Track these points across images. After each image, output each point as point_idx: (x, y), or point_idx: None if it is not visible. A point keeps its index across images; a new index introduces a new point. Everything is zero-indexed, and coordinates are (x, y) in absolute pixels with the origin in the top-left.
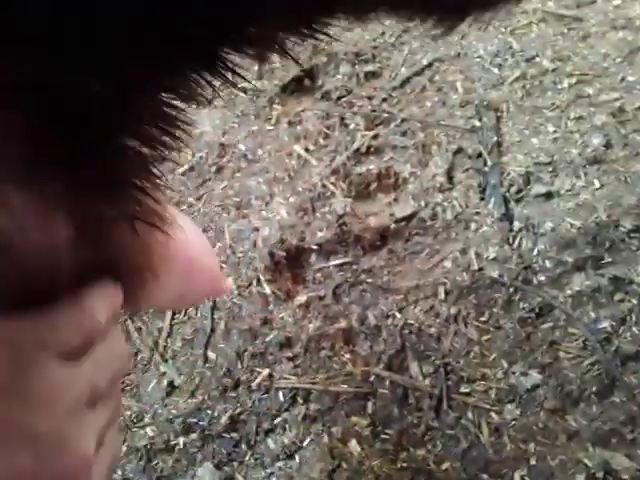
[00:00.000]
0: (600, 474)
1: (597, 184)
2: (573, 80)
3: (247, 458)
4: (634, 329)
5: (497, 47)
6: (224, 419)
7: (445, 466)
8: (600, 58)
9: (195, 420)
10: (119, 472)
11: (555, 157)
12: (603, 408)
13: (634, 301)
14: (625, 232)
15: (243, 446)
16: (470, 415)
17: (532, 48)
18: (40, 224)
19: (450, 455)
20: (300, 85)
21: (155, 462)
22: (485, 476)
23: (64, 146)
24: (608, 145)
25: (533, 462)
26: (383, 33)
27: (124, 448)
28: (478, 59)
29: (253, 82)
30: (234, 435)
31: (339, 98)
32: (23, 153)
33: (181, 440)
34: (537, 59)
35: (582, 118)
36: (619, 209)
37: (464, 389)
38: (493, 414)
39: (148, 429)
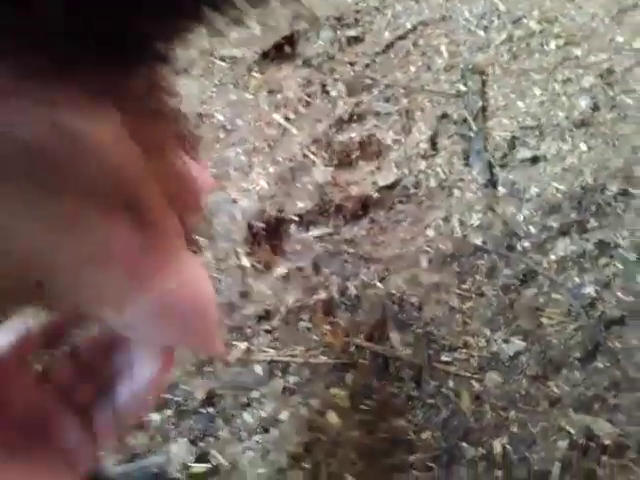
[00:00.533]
0: (582, 440)
1: (584, 147)
2: (561, 42)
3: (223, 433)
4: (619, 294)
5: (483, 9)
6: (200, 394)
7: (425, 436)
8: (588, 19)
9: (170, 396)
10: None
11: (541, 120)
12: (586, 374)
13: (619, 265)
14: (611, 195)
15: (219, 421)
16: (451, 384)
17: (518, 9)
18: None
19: (430, 424)
20: (280, 52)
21: (129, 439)
22: (465, 445)
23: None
24: (595, 107)
25: (514, 429)
26: None
27: None
28: (463, 22)
29: (232, 50)
30: (210, 410)
31: (320, 64)
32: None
33: (156, 416)
34: (524, 20)
35: (569, 80)
36: (606, 172)
37: (445, 358)
38: (474, 382)
39: None
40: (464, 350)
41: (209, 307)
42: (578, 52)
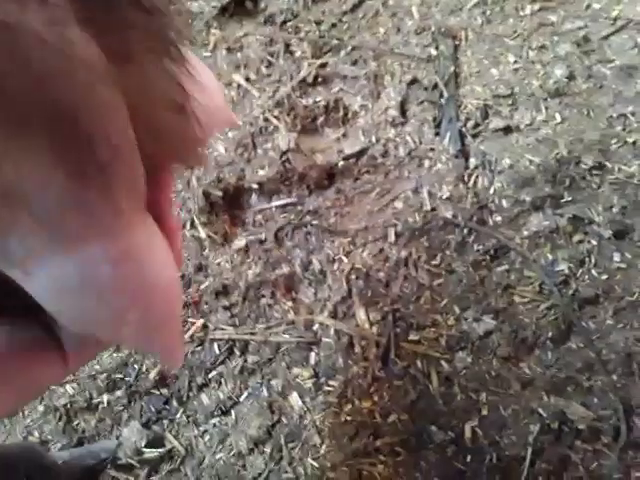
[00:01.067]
0: (555, 424)
1: (558, 118)
2: (536, 7)
3: (178, 416)
4: (593, 271)
5: None
6: (152, 374)
7: (392, 418)
8: None
9: (120, 376)
10: (36, 433)
11: (515, 89)
12: (559, 355)
13: (594, 242)
14: (586, 169)
15: (174, 403)
16: (419, 364)
17: None
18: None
19: (398, 407)
20: (241, 8)
21: (76, 422)
22: (434, 428)
23: None
24: (571, 77)
25: (485, 412)
26: None
27: (41, 408)
28: None
29: (189, 3)
30: (164, 391)
31: (284, 22)
32: None
33: (105, 398)
34: None
35: (544, 48)
36: (581, 145)
37: (413, 337)
38: (443, 362)
39: (68, 387)
40: (432, 329)
41: (163, 295)
42: (554, 18)
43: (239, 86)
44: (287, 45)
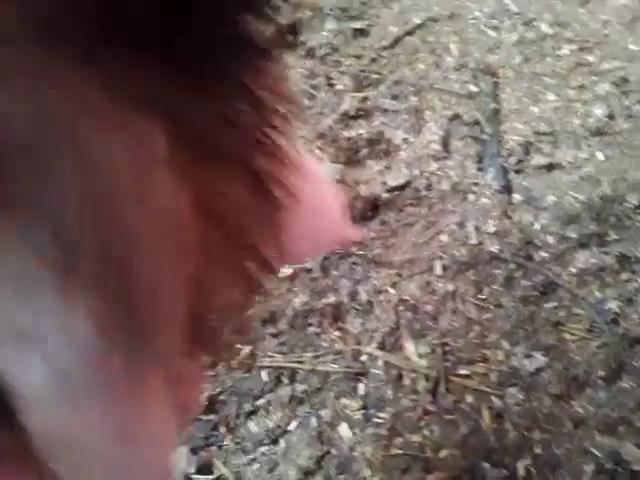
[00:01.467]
0: (609, 464)
1: (600, 157)
2: (573, 47)
3: (227, 442)
4: None
5: (493, 8)
6: (202, 400)
7: (443, 453)
8: (601, 25)
9: None
10: None
11: (556, 127)
12: (611, 394)
13: None
14: (631, 208)
15: (222, 429)
16: (469, 399)
17: (530, 11)
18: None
19: (448, 442)
20: (282, 41)
21: None
22: (486, 465)
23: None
24: (611, 116)
25: (538, 450)
26: None
27: None
28: (473, 20)
29: None
30: (212, 417)
31: (325, 56)
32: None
33: None
34: (535, 23)
35: (583, 87)
36: (624, 184)
37: (463, 371)
38: (494, 398)
39: None
40: (482, 364)
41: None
42: (591, 58)
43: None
44: (328, 78)
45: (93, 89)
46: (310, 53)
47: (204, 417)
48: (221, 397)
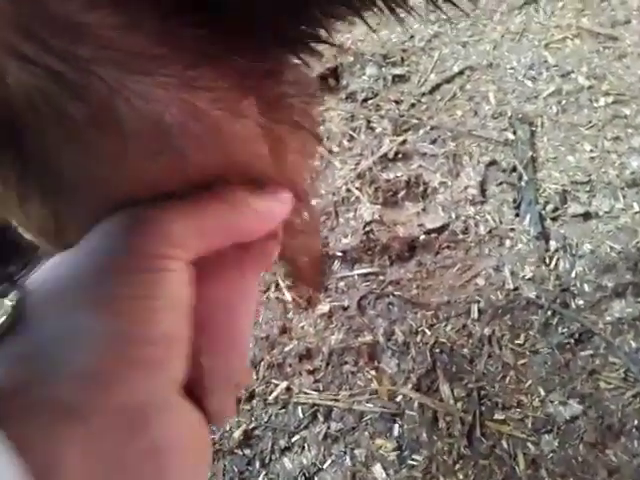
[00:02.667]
0: None
1: (637, 207)
2: (609, 99)
3: (261, 478)
4: None
5: (531, 60)
6: (237, 434)
7: None
8: (636, 79)
9: None
10: None
11: (592, 177)
12: None
13: None
14: None
15: (257, 464)
16: (505, 444)
17: (567, 64)
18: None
19: None
20: (324, 84)
21: None
22: None
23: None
24: None
25: None
26: (412, 37)
27: None
28: (511, 70)
29: None
30: (247, 452)
31: (365, 100)
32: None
33: None
34: (572, 75)
35: (619, 139)
36: None
37: (499, 416)
38: (530, 444)
39: None
40: (518, 409)
41: None
42: (627, 111)
43: (322, 157)
44: (368, 121)
45: (223, 87)
46: (351, 97)
47: (239, 451)
48: (256, 432)
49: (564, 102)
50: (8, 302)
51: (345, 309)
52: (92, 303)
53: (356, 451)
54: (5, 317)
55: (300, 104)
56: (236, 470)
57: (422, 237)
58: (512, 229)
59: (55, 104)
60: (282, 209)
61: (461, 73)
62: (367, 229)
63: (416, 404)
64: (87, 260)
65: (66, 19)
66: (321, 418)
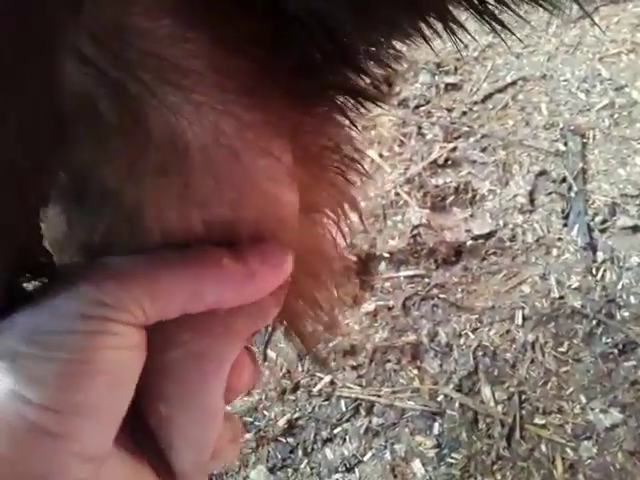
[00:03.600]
0: None
1: None
2: None
3: (303, 466)
4: None
5: (585, 73)
6: (281, 422)
7: None
8: None
9: (251, 419)
10: None
11: None
12: None
13: None
14: None
15: (299, 453)
16: (544, 448)
17: (621, 78)
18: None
19: None
20: (377, 90)
21: None
22: None
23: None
24: None
25: None
26: (466, 46)
27: None
28: (564, 82)
29: None
30: (290, 440)
31: (417, 107)
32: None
33: None
34: (626, 89)
35: None
36: None
37: (539, 420)
38: (568, 450)
39: None
40: (559, 415)
41: None
42: None
43: (372, 161)
44: (419, 128)
45: (258, 119)
46: (403, 103)
47: (283, 439)
48: (300, 422)
49: (617, 115)
50: None
51: (390, 309)
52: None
53: (396, 446)
54: None
55: (339, 166)
56: (279, 457)
57: (469, 242)
58: (560, 239)
59: (96, 106)
60: (270, 278)
61: (514, 83)
62: (414, 232)
63: (457, 404)
64: (33, 310)
65: (123, 23)
66: (363, 412)
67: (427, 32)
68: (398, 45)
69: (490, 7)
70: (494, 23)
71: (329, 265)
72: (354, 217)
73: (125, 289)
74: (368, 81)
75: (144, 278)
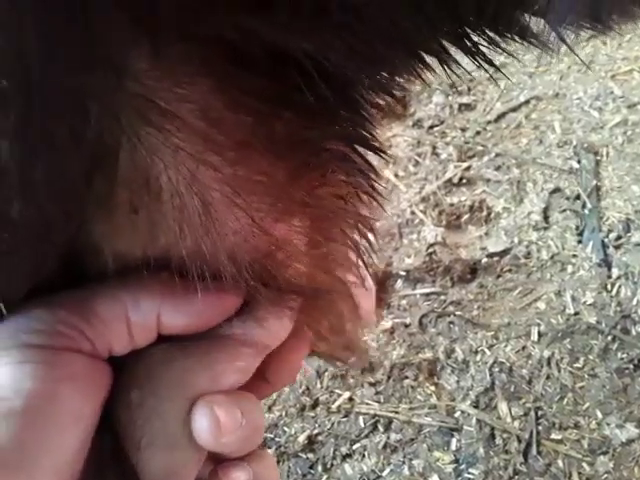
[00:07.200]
0: None
1: None
2: None
3: None
4: None
5: (597, 91)
6: (301, 438)
7: None
8: None
9: (271, 436)
10: None
11: None
12: None
13: None
14: None
15: (319, 468)
16: (560, 463)
17: (634, 95)
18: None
19: None
20: (391, 111)
21: None
22: None
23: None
24: None
25: None
26: (479, 66)
27: None
28: (577, 101)
29: None
30: (310, 456)
31: (431, 127)
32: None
33: None
34: (639, 106)
35: None
36: None
37: (555, 436)
38: (585, 465)
39: None
40: (575, 430)
41: None
42: None
43: (388, 181)
44: (434, 147)
45: (236, 173)
46: (417, 124)
47: (303, 455)
48: (319, 438)
49: (630, 132)
50: None
51: (407, 326)
52: None
53: (414, 461)
54: None
55: (349, 216)
56: (299, 472)
57: (484, 260)
58: (574, 255)
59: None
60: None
61: (527, 102)
62: (430, 250)
63: (474, 420)
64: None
65: (122, 60)
66: (381, 428)
67: (422, 69)
68: (401, 80)
69: (482, 48)
70: (486, 64)
71: (348, 292)
72: (371, 238)
73: (57, 314)
74: (369, 127)
75: (80, 305)
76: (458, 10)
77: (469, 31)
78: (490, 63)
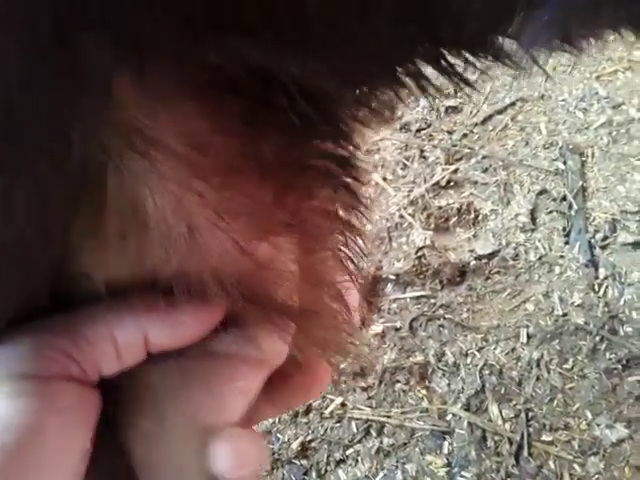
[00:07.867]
0: None
1: None
2: None
3: None
4: None
5: (582, 92)
6: (295, 445)
7: None
8: None
9: (265, 443)
10: None
11: None
12: None
13: None
14: None
15: (313, 474)
16: (552, 465)
17: (618, 95)
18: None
19: None
20: (379, 115)
21: None
22: None
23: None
24: None
25: None
26: (465, 70)
27: None
28: (562, 102)
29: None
30: (304, 462)
31: (419, 130)
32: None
33: None
34: (623, 107)
35: None
36: None
37: (546, 437)
38: (576, 466)
39: None
40: (565, 432)
41: None
42: None
43: (376, 184)
44: (421, 151)
45: (223, 197)
46: (405, 127)
47: (297, 462)
48: (313, 444)
49: (615, 133)
50: None
51: (397, 330)
52: None
53: (407, 466)
54: None
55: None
56: (294, 479)
57: (473, 262)
58: (562, 256)
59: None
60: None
61: (513, 104)
62: (419, 254)
63: (465, 423)
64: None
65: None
66: (374, 433)
67: (399, 87)
68: (381, 94)
69: (457, 67)
70: (461, 82)
71: (341, 302)
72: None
73: (43, 338)
74: (351, 147)
75: (66, 328)
76: (437, 32)
77: (445, 52)
78: (466, 82)
